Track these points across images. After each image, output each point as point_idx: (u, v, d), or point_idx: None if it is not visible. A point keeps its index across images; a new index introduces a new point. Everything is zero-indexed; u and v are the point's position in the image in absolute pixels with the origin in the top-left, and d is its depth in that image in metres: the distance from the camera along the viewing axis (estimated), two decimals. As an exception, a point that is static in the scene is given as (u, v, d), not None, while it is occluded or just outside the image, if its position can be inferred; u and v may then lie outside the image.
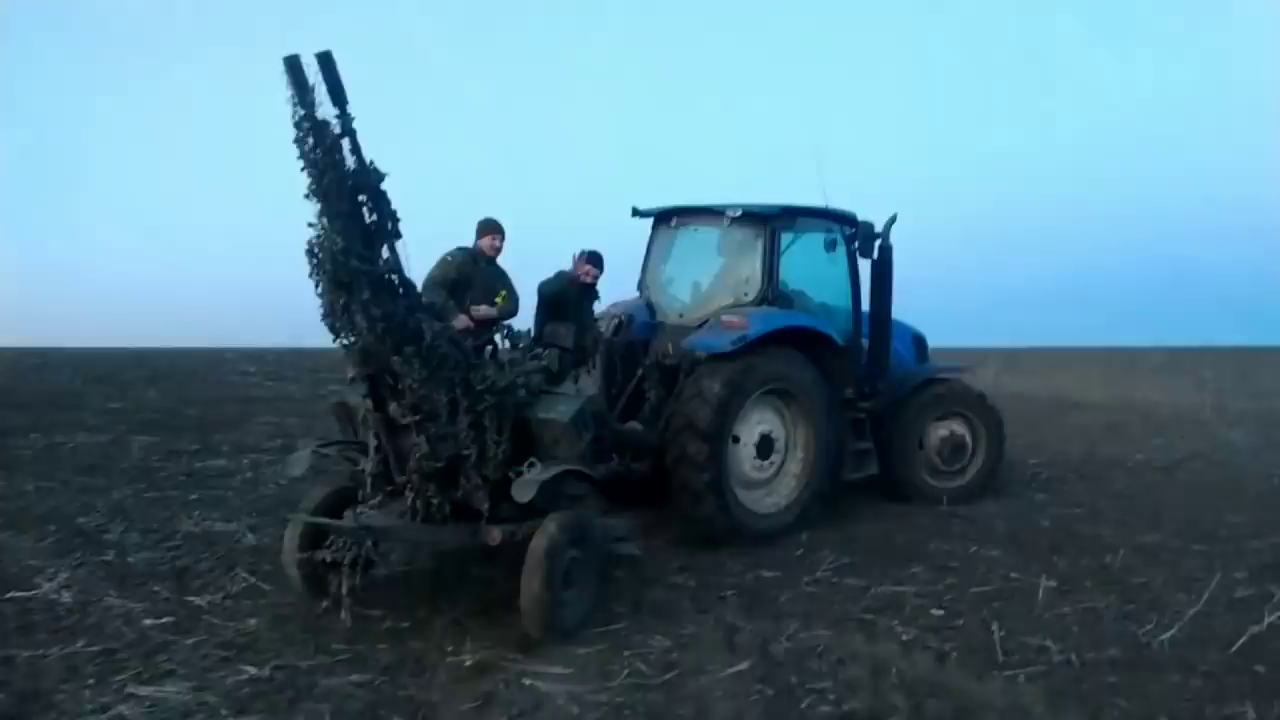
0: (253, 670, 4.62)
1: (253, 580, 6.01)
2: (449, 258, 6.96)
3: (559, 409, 5.42)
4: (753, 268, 7.53)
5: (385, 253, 4.69)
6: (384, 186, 4.64)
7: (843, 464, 7.76)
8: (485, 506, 5.15)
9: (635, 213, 8.26)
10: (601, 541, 5.55)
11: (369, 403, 5.10)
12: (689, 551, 6.75)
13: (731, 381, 6.80)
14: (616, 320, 7.78)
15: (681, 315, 7.84)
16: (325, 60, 4.33)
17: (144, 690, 4.41)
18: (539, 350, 6.14)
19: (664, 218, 8.24)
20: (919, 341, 9.15)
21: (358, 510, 5.33)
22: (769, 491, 7.34)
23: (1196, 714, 4.30)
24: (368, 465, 5.40)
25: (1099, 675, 4.68)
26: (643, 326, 7.83)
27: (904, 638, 5.14)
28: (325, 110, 4.40)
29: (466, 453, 5.02)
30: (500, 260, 7.16)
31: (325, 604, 5.32)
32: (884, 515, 7.96)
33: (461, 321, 6.46)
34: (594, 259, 7.52)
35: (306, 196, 4.51)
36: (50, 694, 4.38)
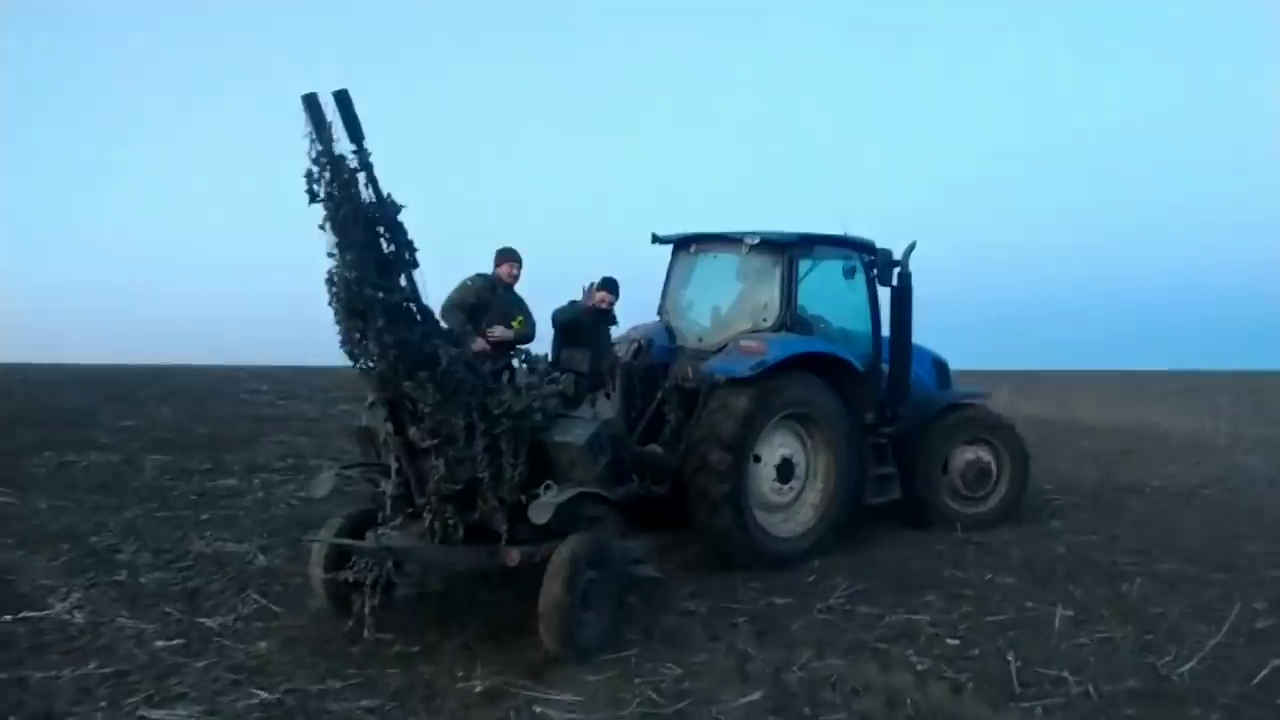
0: (263, 694, 4.61)
1: (263, 602, 6.00)
2: (468, 282, 7.09)
3: (575, 432, 5.49)
4: (771, 294, 7.58)
5: (403, 281, 4.79)
6: (401, 217, 4.73)
7: (864, 489, 7.75)
8: (504, 528, 5.24)
9: (655, 239, 8.32)
10: (620, 563, 5.58)
11: (389, 426, 5.18)
12: (701, 577, 6.70)
13: (758, 398, 6.85)
14: (636, 344, 7.81)
15: (701, 340, 7.89)
16: (342, 98, 4.45)
17: (155, 713, 4.40)
18: (556, 375, 6.16)
19: (683, 244, 8.31)
20: (940, 366, 9.13)
21: (379, 532, 5.39)
22: (786, 517, 7.32)
23: (1217, 749, 4.23)
24: (388, 488, 5.46)
25: (1117, 707, 4.61)
26: (662, 350, 7.87)
27: (919, 667, 5.08)
28: (342, 145, 4.50)
29: (483, 475, 5.11)
30: (518, 288, 7.26)
31: (350, 623, 5.34)
32: (899, 542, 7.89)
33: (478, 344, 6.54)
34: (610, 285, 7.56)
35: (321, 227, 4.61)
36: (62, 716, 4.38)
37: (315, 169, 4.50)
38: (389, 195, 4.66)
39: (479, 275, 7.15)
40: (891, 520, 8.30)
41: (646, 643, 5.40)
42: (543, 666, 4.97)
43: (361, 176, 4.56)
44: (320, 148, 4.47)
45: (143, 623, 5.60)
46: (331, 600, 5.53)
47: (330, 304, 4.71)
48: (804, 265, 7.66)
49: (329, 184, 4.51)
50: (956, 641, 5.50)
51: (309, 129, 4.45)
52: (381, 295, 4.65)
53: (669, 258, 8.45)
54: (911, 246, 8.06)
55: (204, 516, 8.40)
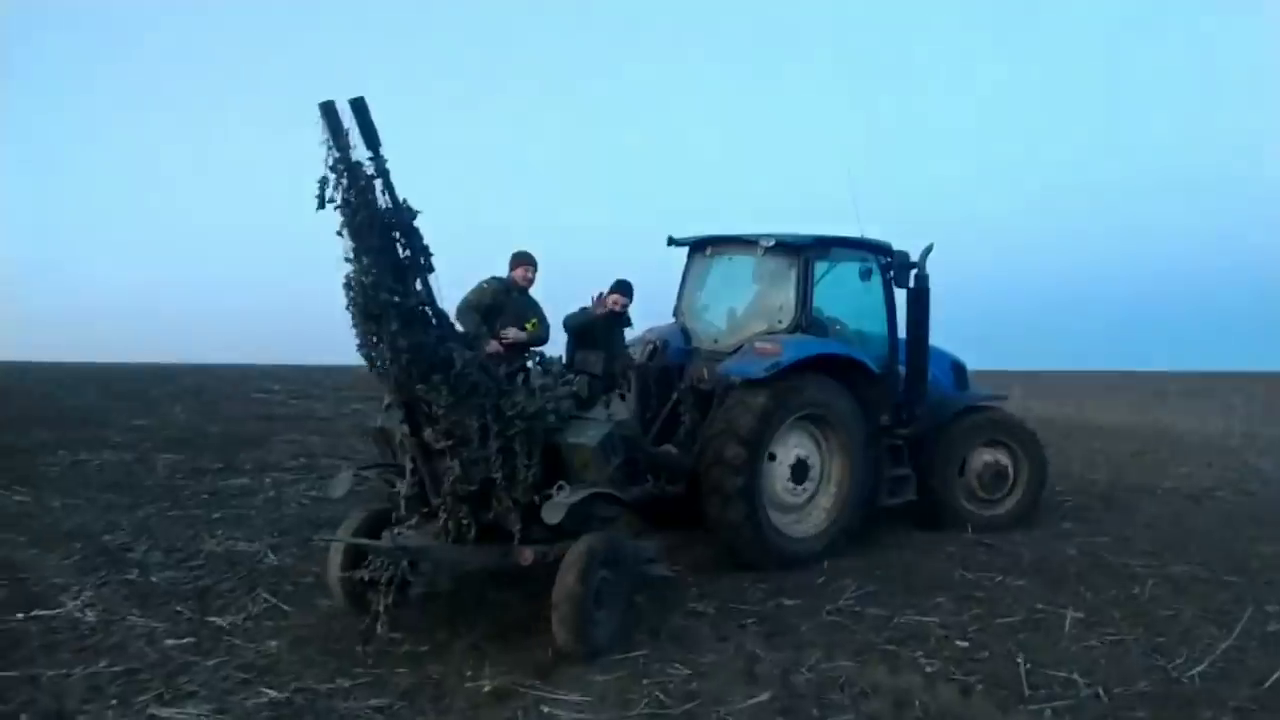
0: (273, 693, 4.63)
1: (274, 601, 6.03)
2: (484, 285, 7.12)
3: (588, 434, 5.53)
4: (786, 296, 7.59)
5: (418, 285, 4.84)
6: (416, 223, 4.78)
7: (879, 490, 7.75)
8: (517, 529, 5.29)
9: (671, 241, 8.34)
10: (632, 563, 5.61)
11: (405, 427, 5.24)
12: (710, 577, 6.70)
13: (775, 396, 6.86)
14: (652, 345, 7.83)
15: (716, 341, 7.90)
16: (358, 105, 4.51)
17: (165, 712, 4.43)
18: (570, 376, 6.19)
19: (699, 246, 8.33)
20: (958, 368, 9.12)
21: (395, 531, 5.45)
22: (799, 518, 7.32)
23: (1229, 753, 4.21)
24: (404, 488, 5.51)
25: (1127, 710, 4.59)
26: (678, 352, 7.88)
27: (928, 669, 5.07)
28: (358, 152, 4.56)
29: (497, 476, 5.17)
30: (532, 291, 7.29)
31: (366, 621, 5.37)
32: (908, 543, 7.87)
33: (492, 346, 6.59)
34: (624, 288, 7.56)
35: (338, 233, 4.67)
36: (73, 714, 4.41)
37: (332, 175, 4.55)
38: (405, 201, 4.72)
39: (494, 278, 7.19)
40: (902, 521, 8.28)
41: (655, 643, 5.40)
42: (551, 666, 4.98)
43: (378, 183, 4.62)
44: (337, 154, 4.53)
45: (154, 621, 5.63)
46: (347, 598, 5.58)
47: (347, 308, 4.78)
48: (820, 267, 7.66)
49: (346, 190, 4.57)
50: (966, 643, 5.48)
51: (326, 136, 4.50)
52: (397, 300, 4.71)
53: (685, 260, 8.46)
54: (928, 249, 8.04)
55: (215, 515, 8.44)
